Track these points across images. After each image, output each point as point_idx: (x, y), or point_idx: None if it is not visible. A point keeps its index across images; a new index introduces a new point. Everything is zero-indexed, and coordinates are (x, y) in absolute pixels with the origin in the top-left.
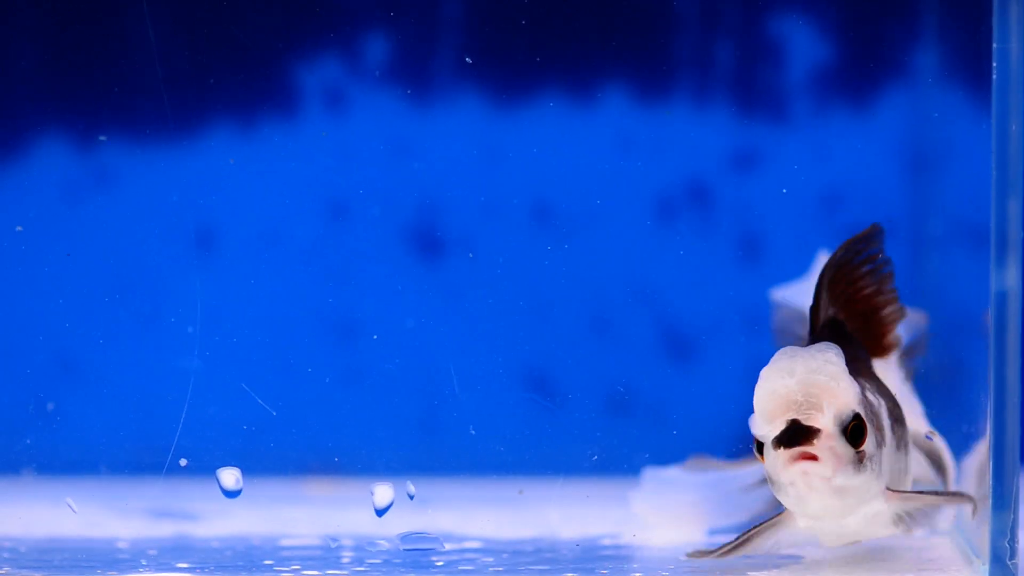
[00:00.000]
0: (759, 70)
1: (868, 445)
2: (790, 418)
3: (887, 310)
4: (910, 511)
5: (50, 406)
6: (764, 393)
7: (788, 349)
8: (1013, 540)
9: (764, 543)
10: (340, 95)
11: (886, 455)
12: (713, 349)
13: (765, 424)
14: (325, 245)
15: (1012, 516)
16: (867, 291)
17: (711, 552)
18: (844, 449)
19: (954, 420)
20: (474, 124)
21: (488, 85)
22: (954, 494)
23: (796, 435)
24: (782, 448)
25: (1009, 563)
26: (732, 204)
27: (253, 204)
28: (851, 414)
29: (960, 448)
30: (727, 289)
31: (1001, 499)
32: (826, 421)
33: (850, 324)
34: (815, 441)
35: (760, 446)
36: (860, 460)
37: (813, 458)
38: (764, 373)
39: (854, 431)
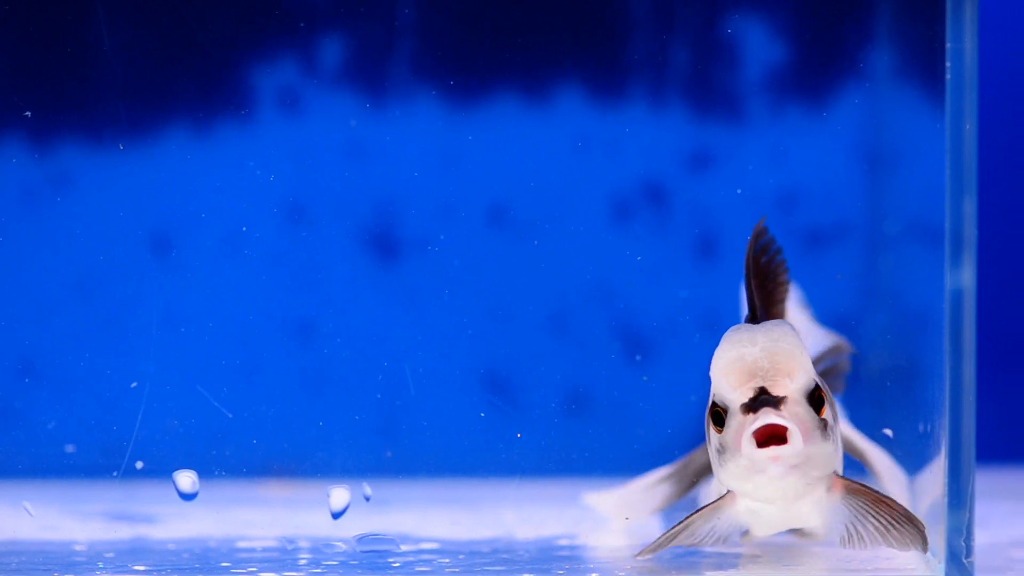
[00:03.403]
0: (714, 71)
1: (827, 414)
2: (757, 385)
3: (783, 281)
4: (853, 514)
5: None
6: (728, 361)
7: (743, 325)
8: (969, 538)
9: (702, 528)
10: (296, 98)
11: (839, 432)
12: (670, 349)
13: (730, 392)
14: (282, 248)
15: (968, 514)
16: (774, 274)
17: (656, 543)
18: (810, 415)
19: (910, 419)
20: (430, 126)
21: (444, 87)
22: (905, 511)
23: (765, 402)
24: (750, 415)
25: (965, 561)
26: (688, 205)
27: (210, 207)
28: (813, 382)
29: (916, 447)
30: (683, 289)
31: (957, 497)
32: (792, 388)
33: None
34: (782, 407)
35: (716, 416)
36: (824, 427)
37: (783, 439)
38: (725, 344)
39: (817, 399)
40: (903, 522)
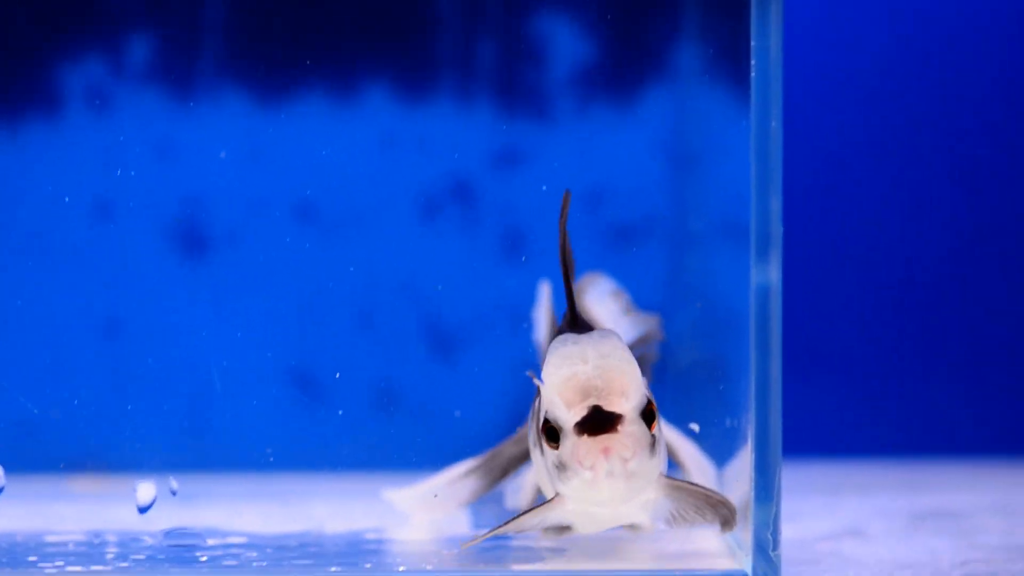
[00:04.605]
0: (521, 68)
1: (656, 429)
2: (591, 404)
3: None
4: (674, 504)
5: None
6: (561, 379)
7: (568, 336)
8: (776, 532)
9: (528, 524)
10: (103, 95)
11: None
12: (477, 345)
13: (564, 411)
14: (89, 245)
15: (775, 508)
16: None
17: (479, 536)
18: (643, 433)
19: (718, 414)
20: (237, 123)
21: (251, 84)
22: (720, 498)
23: (600, 421)
24: (586, 435)
25: (772, 554)
26: (495, 202)
27: (16, 204)
28: (645, 398)
29: (723, 442)
30: (490, 286)
31: (764, 491)
32: (627, 406)
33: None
34: (619, 427)
35: (551, 432)
36: (652, 444)
37: (615, 446)
38: (554, 360)
39: (648, 415)
40: (717, 505)
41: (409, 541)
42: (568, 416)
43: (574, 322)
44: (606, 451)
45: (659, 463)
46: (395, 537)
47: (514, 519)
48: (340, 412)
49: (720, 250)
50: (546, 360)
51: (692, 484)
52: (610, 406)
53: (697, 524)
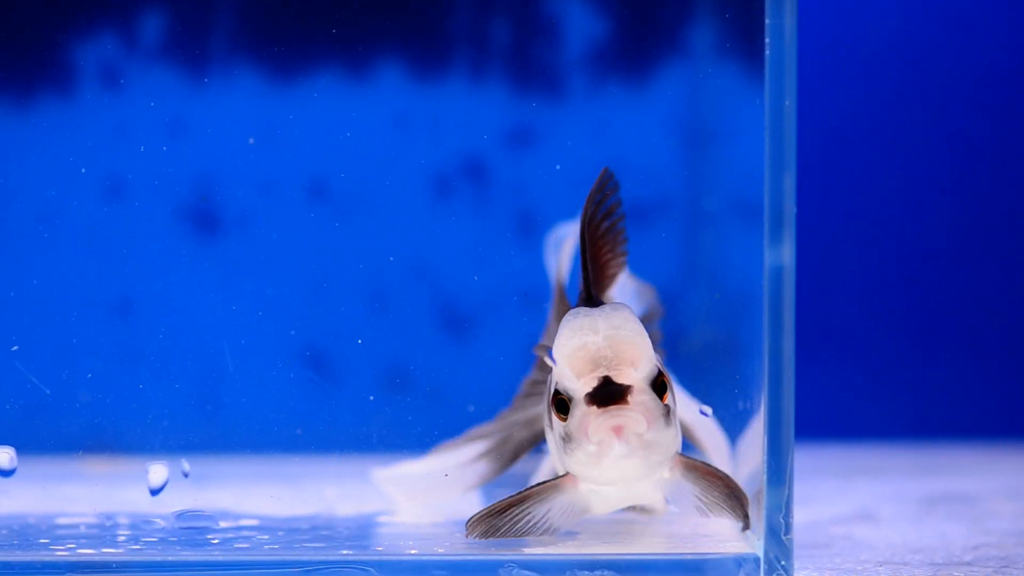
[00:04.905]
0: (535, 46)
1: (669, 400)
2: (601, 375)
3: (618, 259)
4: (693, 483)
5: None
6: (572, 350)
7: (580, 309)
8: (788, 515)
9: (540, 506)
10: (116, 72)
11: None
12: (490, 325)
13: (574, 381)
14: (101, 224)
15: (787, 492)
16: (610, 241)
17: (487, 513)
18: (654, 403)
19: (730, 396)
20: (250, 102)
21: (264, 63)
22: (738, 491)
23: (611, 392)
24: (596, 406)
25: (784, 538)
26: (509, 181)
27: (28, 183)
28: (655, 369)
29: (735, 424)
30: (504, 266)
31: (776, 475)
32: (637, 376)
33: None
34: (628, 397)
35: (561, 404)
36: (667, 414)
37: (621, 427)
38: (565, 332)
39: (660, 385)
40: (732, 498)
41: (416, 524)
42: (578, 386)
43: (589, 301)
44: (616, 427)
45: (671, 440)
46: (401, 520)
47: (519, 494)
48: (353, 394)
49: (733, 230)
50: (558, 333)
51: (707, 464)
52: (620, 377)
53: (724, 514)
